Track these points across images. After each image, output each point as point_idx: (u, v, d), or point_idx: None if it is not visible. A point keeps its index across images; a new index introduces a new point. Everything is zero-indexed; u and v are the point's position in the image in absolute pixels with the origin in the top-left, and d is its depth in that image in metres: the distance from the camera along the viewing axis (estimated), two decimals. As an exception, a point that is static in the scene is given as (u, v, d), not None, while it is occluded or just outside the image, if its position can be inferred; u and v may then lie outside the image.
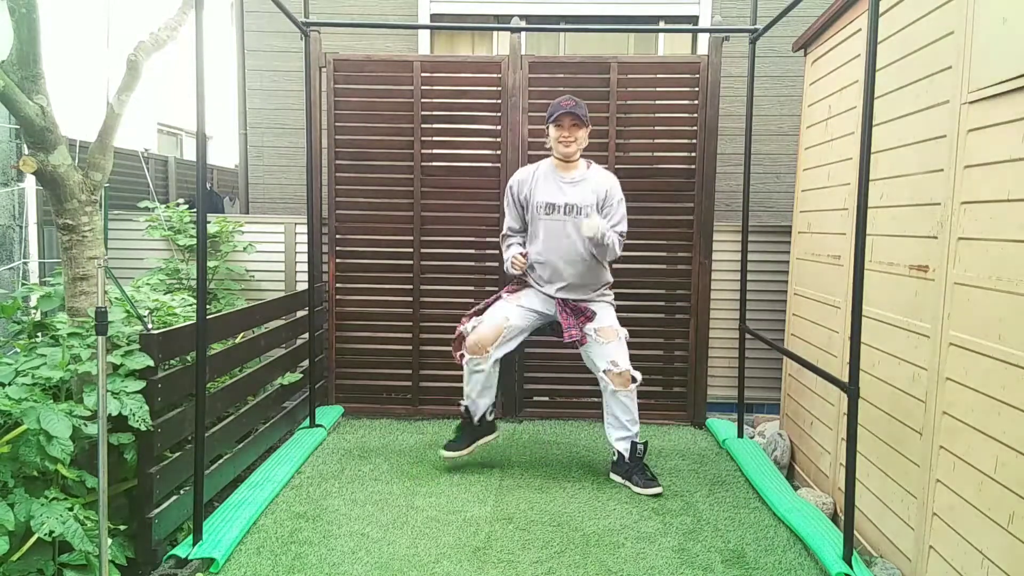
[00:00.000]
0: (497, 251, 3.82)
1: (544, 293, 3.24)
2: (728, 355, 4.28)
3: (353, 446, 3.62)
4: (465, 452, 3.28)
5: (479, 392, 3.23)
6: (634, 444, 3.17)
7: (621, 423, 3.18)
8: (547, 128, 3.19)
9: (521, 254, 3.18)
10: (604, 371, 3.11)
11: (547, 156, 3.31)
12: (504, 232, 3.37)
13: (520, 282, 3.32)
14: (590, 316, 3.16)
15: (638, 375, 3.14)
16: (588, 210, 3.10)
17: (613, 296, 3.36)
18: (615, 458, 3.23)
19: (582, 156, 3.24)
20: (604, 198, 3.17)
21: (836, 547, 2.44)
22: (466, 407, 3.28)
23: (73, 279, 2.54)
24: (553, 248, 3.17)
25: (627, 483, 3.15)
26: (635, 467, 3.16)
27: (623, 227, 3.20)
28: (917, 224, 2.36)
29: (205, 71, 2.32)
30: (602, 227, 3.00)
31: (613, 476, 3.22)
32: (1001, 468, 1.88)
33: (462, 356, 3.20)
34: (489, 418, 3.34)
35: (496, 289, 3.95)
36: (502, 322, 3.14)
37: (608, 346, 3.11)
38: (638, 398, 4.11)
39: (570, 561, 2.48)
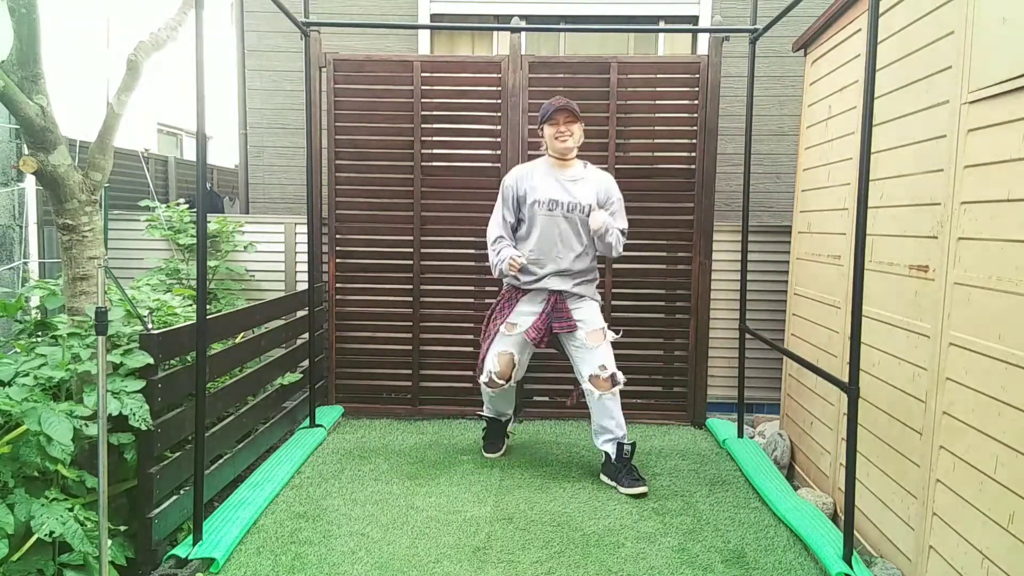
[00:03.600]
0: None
1: (534, 294, 3.24)
2: (728, 355, 4.28)
3: (353, 446, 3.62)
4: (503, 451, 3.55)
5: (502, 406, 3.52)
6: (620, 445, 3.17)
7: (606, 429, 3.20)
8: (541, 129, 3.23)
9: (517, 256, 3.14)
10: (591, 376, 3.13)
11: (541, 156, 3.32)
12: (495, 237, 3.28)
13: (510, 295, 3.31)
14: (573, 325, 3.19)
15: (622, 378, 3.16)
16: (589, 208, 3.15)
17: (599, 294, 3.39)
18: (603, 459, 3.26)
19: (577, 156, 3.26)
20: (605, 198, 3.22)
21: (836, 547, 2.44)
22: (492, 416, 3.55)
23: (73, 279, 2.54)
24: (551, 243, 3.18)
25: (614, 484, 3.16)
26: (622, 467, 3.16)
27: (624, 225, 3.27)
28: (917, 224, 2.36)
29: (205, 71, 2.32)
30: (608, 221, 3.12)
31: (603, 478, 3.24)
32: (1001, 468, 1.88)
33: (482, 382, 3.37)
34: (511, 422, 3.67)
35: (496, 289, 3.96)
36: (510, 360, 3.26)
37: (596, 351, 3.14)
38: (638, 398, 4.17)
39: (570, 561, 2.48)
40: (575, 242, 3.18)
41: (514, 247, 3.25)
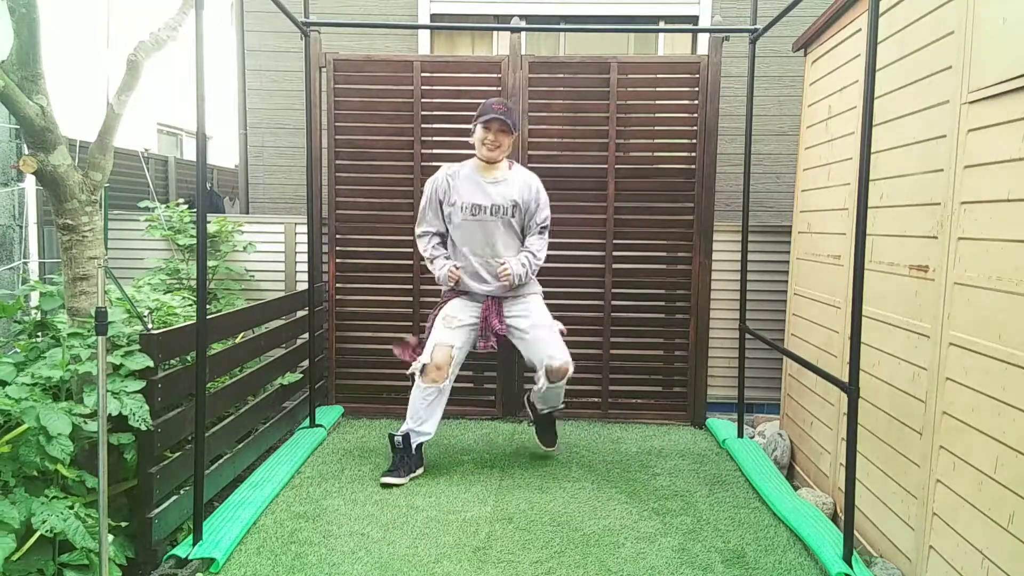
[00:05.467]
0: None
1: (473, 293, 3.27)
2: (728, 355, 4.28)
3: (353, 446, 3.62)
4: (404, 481, 3.12)
5: (424, 418, 3.18)
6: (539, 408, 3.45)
7: (546, 403, 3.40)
8: (474, 126, 3.19)
9: (454, 266, 3.22)
10: (544, 366, 3.13)
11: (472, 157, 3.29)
12: (421, 231, 3.32)
13: (449, 291, 3.34)
14: (502, 331, 3.22)
15: (571, 365, 3.17)
16: (512, 207, 3.19)
17: (539, 286, 3.41)
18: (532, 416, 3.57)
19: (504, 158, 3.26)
20: (531, 196, 3.21)
21: (836, 547, 2.44)
22: (405, 435, 3.18)
23: (73, 279, 2.54)
24: (479, 250, 3.21)
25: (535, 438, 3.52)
26: (540, 425, 3.51)
27: (545, 222, 3.26)
28: (917, 224, 2.36)
29: (205, 71, 2.32)
30: (513, 270, 3.14)
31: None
32: (1001, 468, 1.89)
33: (412, 373, 3.20)
34: (421, 451, 3.26)
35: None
36: (448, 352, 3.15)
37: (542, 343, 3.17)
38: (638, 398, 4.18)
39: (570, 561, 2.48)
40: (500, 245, 3.20)
41: (445, 252, 3.30)
